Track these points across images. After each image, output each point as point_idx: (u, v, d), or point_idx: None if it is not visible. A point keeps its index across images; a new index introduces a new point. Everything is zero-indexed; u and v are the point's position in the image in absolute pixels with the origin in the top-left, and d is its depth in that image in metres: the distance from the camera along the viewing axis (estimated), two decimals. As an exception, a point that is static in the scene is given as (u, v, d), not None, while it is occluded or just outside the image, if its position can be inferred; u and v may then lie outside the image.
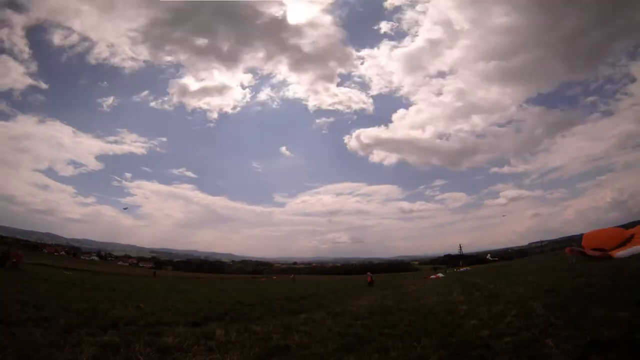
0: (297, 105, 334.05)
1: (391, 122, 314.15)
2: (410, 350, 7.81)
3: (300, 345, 8.83)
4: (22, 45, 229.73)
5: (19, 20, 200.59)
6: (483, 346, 7.74)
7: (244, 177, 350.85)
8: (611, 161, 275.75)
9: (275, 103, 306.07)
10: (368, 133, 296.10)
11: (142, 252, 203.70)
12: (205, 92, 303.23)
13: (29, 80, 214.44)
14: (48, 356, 6.59)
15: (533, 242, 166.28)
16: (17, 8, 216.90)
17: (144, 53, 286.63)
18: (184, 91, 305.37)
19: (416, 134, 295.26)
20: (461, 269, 78.12)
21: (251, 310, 15.62)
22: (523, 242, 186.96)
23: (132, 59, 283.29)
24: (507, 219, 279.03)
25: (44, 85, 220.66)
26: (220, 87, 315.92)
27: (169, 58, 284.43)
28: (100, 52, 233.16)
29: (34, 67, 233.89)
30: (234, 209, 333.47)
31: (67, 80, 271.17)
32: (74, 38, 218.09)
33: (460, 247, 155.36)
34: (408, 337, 9.07)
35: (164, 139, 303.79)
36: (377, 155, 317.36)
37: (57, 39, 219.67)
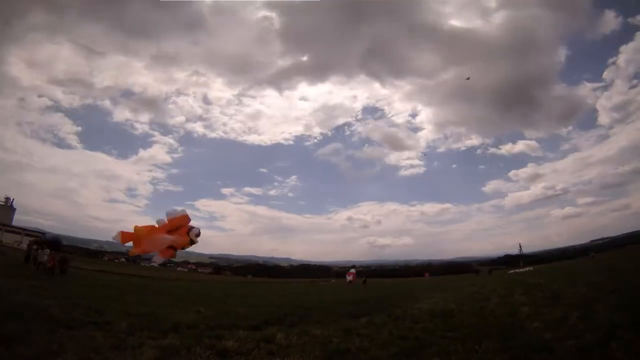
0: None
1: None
2: (471, 354, 7.72)
3: (360, 349, 8.79)
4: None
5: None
6: (546, 350, 7.56)
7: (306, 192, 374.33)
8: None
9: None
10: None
11: (200, 258, 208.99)
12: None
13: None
14: (109, 358, 6.81)
15: (595, 240, 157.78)
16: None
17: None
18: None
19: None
20: (523, 269, 75.28)
21: (311, 313, 15.67)
22: (584, 239, 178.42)
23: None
24: (563, 217, 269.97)
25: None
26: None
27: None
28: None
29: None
30: (294, 219, 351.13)
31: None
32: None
33: (520, 246, 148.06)
34: (469, 340, 8.91)
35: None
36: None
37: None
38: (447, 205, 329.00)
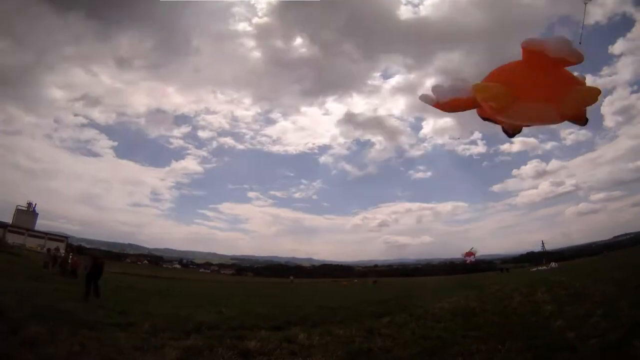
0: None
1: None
2: (494, 353, 7.68)
3: (382, 348, 8.80)
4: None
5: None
6: (569, 348, 7.51)
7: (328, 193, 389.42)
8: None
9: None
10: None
11: (223, 259, 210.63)
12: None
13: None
14: (131, 359, 6.90)
15: (619, 235, 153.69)
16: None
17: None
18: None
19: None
20: (547, 266, 73.76)
21: (333, 313, 15.66)
22: (608, 235, 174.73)
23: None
24: (579, 214, 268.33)
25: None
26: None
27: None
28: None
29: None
30: (317, 220, 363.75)
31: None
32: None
33: (543, 243, 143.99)
34: (492, 339, 8.87)
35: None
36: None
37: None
38: (463, 204, 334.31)
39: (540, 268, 71.95)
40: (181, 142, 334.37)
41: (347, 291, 43.17)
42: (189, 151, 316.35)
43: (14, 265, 29.05)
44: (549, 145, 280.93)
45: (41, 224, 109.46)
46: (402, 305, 19.13)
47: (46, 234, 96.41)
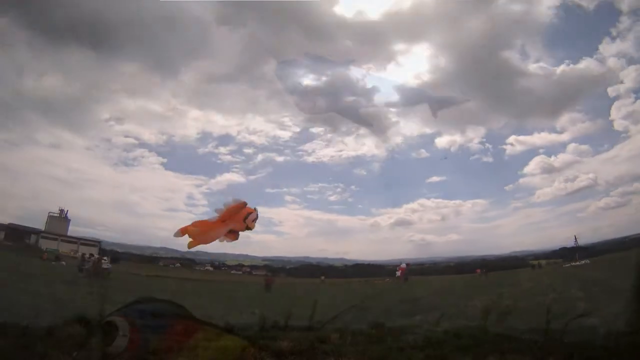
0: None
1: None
2: (526, 352, 7.62)
3: (415, 347, 8.75)
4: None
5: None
6: (601, 347, 7.42)
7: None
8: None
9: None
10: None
11: (254, 261, 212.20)
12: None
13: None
14: (164, 359, 7.00)
15: None
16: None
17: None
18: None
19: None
20: (578, 262, 72.16)
21: (366, 312, 15.67)
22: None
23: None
24: (611, 207, 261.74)
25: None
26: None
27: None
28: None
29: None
30: (350, 221, 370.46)
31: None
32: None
33: (576, 239, 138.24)
34: (525, 337, 8.76)
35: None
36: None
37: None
38: (487, 201, 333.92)
39: (574, 264, 70.58)
40: (229, 157, 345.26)
41: (378, 290, 43.07)
42: (237, 166, 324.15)
43: (48, 270, 29.88)
44: (557, 142, 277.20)
45: (79, 231, 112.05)
46: (434, 303, 19.04)
47: (79, 239, 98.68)
